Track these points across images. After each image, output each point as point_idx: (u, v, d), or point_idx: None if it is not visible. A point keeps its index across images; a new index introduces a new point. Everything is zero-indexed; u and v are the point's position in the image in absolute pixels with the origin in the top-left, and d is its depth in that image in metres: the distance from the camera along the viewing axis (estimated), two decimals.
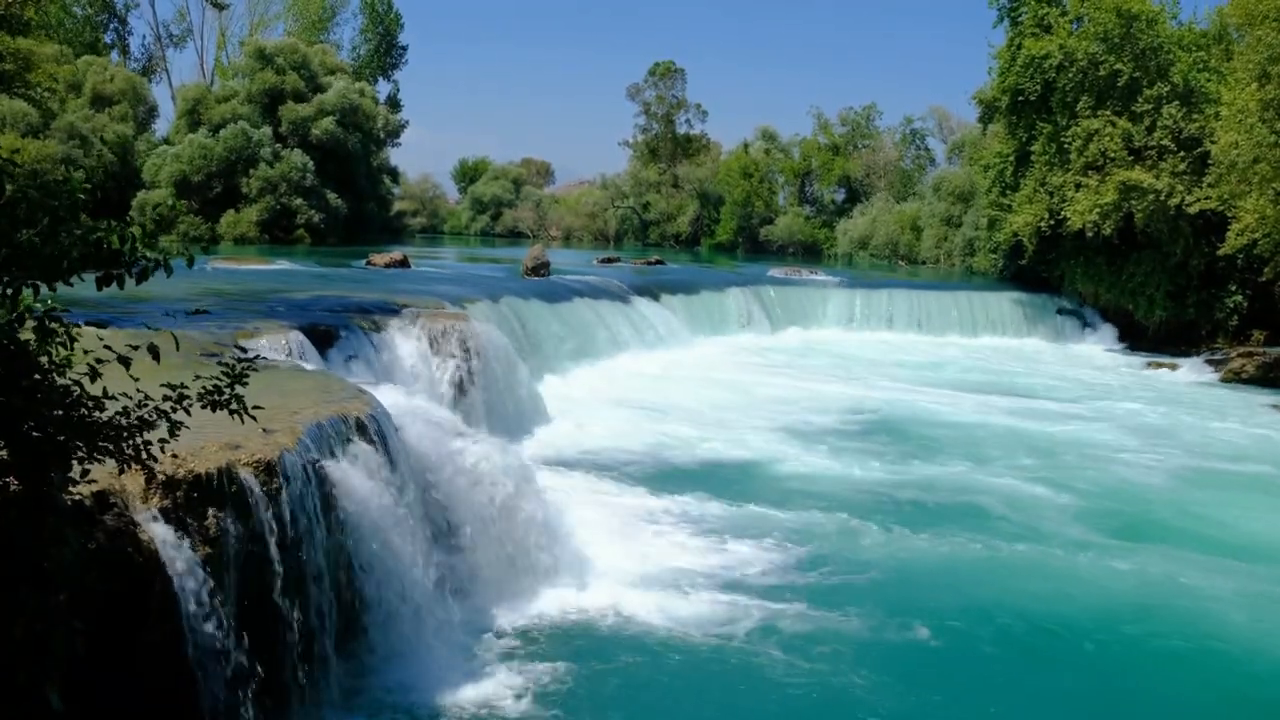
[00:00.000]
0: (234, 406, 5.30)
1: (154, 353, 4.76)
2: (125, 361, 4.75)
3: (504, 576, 9.68)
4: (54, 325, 4.51)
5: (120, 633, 5.73)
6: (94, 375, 4.65)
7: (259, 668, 6.60)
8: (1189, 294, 31.17)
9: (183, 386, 5.15)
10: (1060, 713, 8.48)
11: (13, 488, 4.49)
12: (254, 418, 5.40)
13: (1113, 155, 30.28)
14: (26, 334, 4.50)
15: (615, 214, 73.68)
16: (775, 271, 38.99)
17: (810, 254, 60.84)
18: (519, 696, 7.98)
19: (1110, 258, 32.26)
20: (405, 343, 15.52)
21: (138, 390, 5.07)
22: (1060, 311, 34.13)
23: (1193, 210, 28.62)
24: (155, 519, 6.10)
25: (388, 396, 9.89)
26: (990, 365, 28.00)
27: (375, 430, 8.67)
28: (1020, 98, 33.00)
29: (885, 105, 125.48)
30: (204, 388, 5.28)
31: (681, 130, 73.31)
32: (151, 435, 5.09)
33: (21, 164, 4.60)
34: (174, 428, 5.13)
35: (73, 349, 4.65)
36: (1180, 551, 12.12)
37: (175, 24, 68.05)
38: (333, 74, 52.35)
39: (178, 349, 5.65)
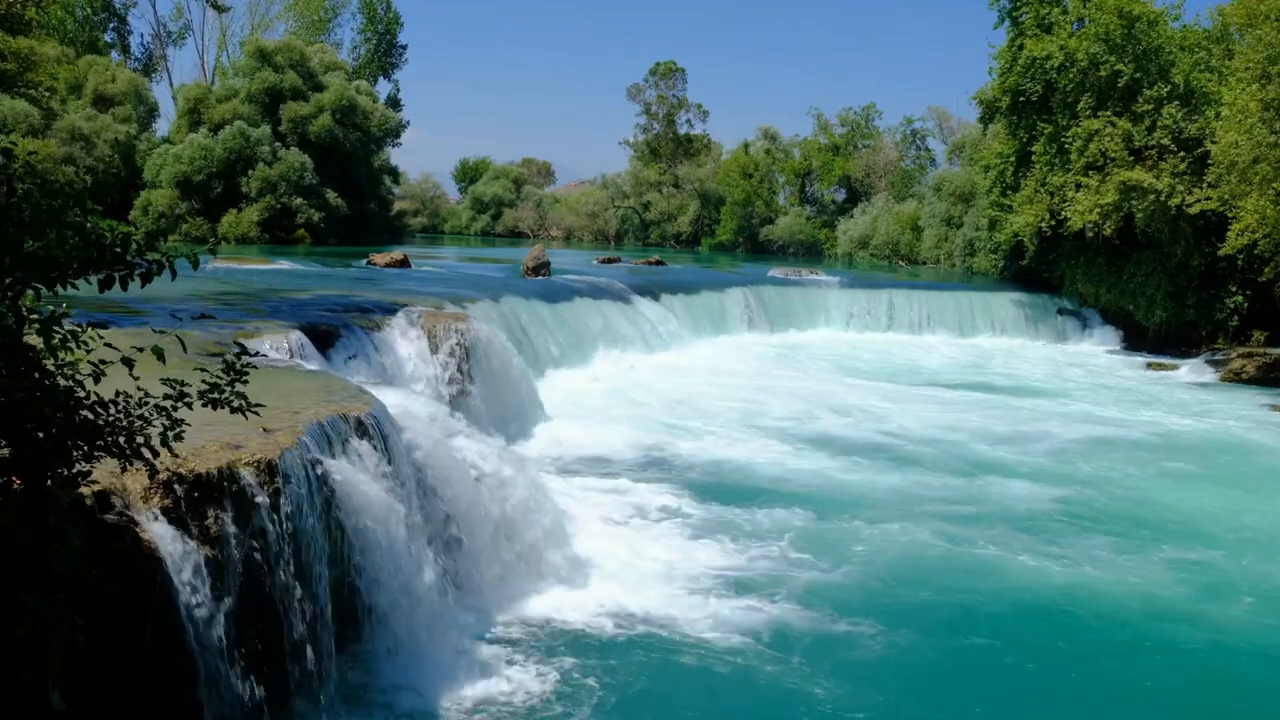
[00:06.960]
0: (235, 404, 5.30)
1: (159, 354, 4.77)
2: (129, 363, 4.77)
3: (504, 575, 9.70)
4: (60, 329, 4.52)
5: (121, 632, 5.75)
6: (98, 376, 4.68)
7: (259, 667, 6.62)
8: (1189, 294, 31.15)
9: (183, 384, 5.16)
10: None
11: (15, 486, 4.51)
12: (257, 413, 5.40)
13: (1113, 155, 30.27)
14: (34, 338, 4.51)
15: (616, 214, 73.70)
16: (776, 271, 38.98)
17: (811, 254, 60.83)
18: (519, 695, 7.99)
19: (1111, 258, 32.28)
20: (406, 342, 15.54)
21: (138, 389, 5.08)
22: (1061, 312, 34.12)
23: (1193, 210, 28.60)
24: (156, 518, 6.12)
25: (388, 396, 9.91)
26: (990, 366, 28.01)
27: (376, 430, 8.69)
28: (1021, 98, 33.00)
29: (885, 105, 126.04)
30: (204, 381, 5.29)
31: (682, 130, 73.35)
32: (152, 433, 5.10)
33: (34, 166, 4.61)
34: (174, 424, 5.14)
35: (79, 350, 4.66)
36: (1183, 550, 12.16)
37: (172, 21, 68.21)
38: (330, 72, 52.33)
39: (185, 350, 5.66)
